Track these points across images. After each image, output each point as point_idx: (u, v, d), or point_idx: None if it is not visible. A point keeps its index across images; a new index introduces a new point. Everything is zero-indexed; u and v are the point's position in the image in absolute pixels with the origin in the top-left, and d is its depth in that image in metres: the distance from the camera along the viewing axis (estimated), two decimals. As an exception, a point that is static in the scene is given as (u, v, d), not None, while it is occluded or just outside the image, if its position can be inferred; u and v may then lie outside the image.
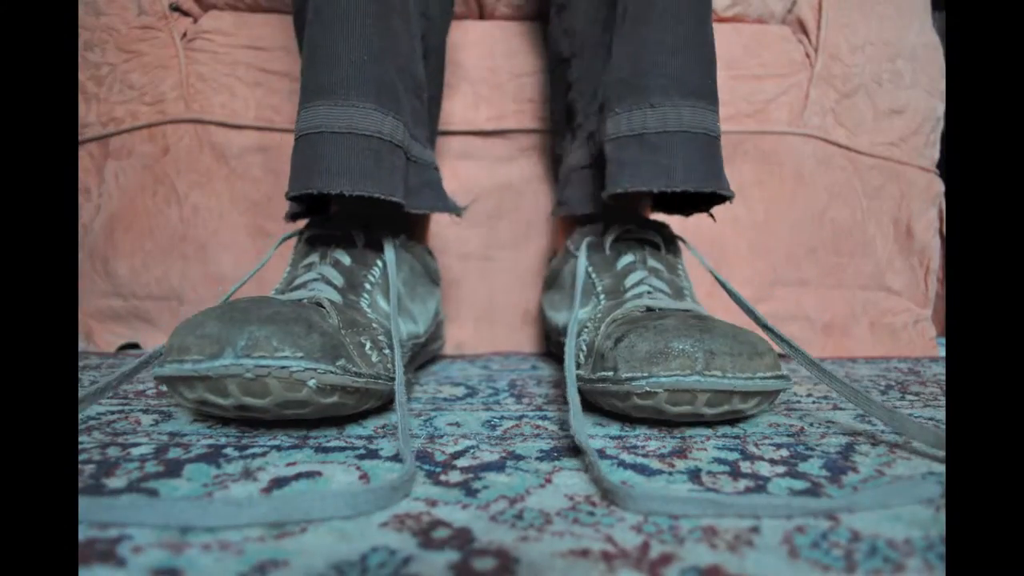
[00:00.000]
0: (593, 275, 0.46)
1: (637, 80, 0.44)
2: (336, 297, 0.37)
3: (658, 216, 0.59)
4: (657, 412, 0.33)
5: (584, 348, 0.38)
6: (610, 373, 0.33)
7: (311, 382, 0.29)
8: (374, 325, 0.37)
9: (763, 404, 0.34)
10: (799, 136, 0.71)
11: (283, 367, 0.28)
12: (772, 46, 0.71)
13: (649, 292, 0.41)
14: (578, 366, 0.38)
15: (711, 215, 0.51)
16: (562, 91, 0.57)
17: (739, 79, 0.70)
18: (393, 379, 0.35)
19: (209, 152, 0.69)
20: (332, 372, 0.30)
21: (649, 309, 0.38)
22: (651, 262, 0.44)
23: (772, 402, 0.36)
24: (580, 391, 0.37)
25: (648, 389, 0.32)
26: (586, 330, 0.40)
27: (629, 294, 0.42)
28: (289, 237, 0.45)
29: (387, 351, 0.36)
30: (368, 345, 0.34)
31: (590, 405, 0.38)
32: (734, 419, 0.35)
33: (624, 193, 0.44)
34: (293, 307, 0.32)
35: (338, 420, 0.35)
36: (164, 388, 0.33)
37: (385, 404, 0.38)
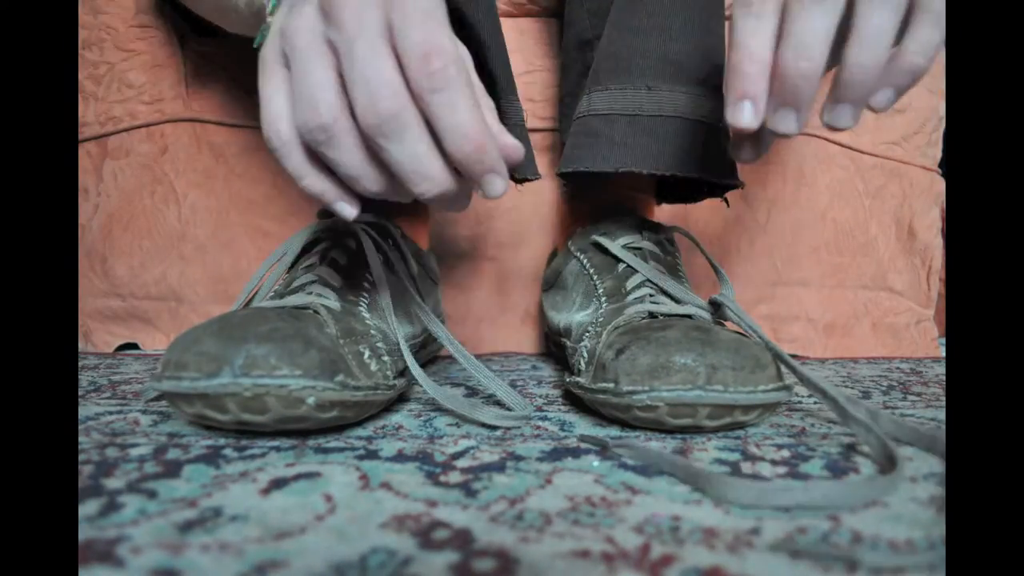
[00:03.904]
0: (594, 277, 0.46)
1: (635, 59, 0.44)
2: (334, 303, 0.37)
3: (662, 207, 0.59)
4: (658, 424, 0.33)
5: (585, 355, 0.38)
6: (611, 385, 0.33)
7: (310, 399, 0.29)
8: (372, 332, 0.37)
9: (765, 415, 0.34)
10: (800, 136, 0.71)
11: (281, 385, 0.29)
12: (772, 45, 0.70)
13: (651, 295, 0.41)
14: (579, 373, 0.38)
15: (725, 200, 0.51)
16: (579, 76, 0.56)
17: (739, 78, 0.69)
18: (393, 386, 0.35)
19: (208, 151, 0.69)
20: (331, 388, 0.30)
21: (651, 315, 0.38)
22: (652, 263, 0.44)
23: (774, 412, 0.36)
24: (580, 399, 0.36)
25: (649, 403, 0.32)
26: (587, 335, 0.40)
27: (631, 297, 0.41)
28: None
29: (386, 358, 0.36)
30: (367, 354, 0.34)
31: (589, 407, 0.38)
32: (737, 427, 0.35)
33: (607, 172, 0.44)
34: (291, 321, 0.32)
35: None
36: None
37: (386, 407, 0.38)
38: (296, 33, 0.28)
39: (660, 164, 0.43)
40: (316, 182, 0.30)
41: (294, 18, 0.28)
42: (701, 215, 0.69)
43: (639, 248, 0.46)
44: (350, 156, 0.28)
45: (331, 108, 0.27)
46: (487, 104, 0.31)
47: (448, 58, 0.27)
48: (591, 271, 0.46)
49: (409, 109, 0.27)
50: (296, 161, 0.29)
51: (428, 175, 0.28)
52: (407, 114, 0.27)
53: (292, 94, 0.28)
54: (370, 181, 0.29)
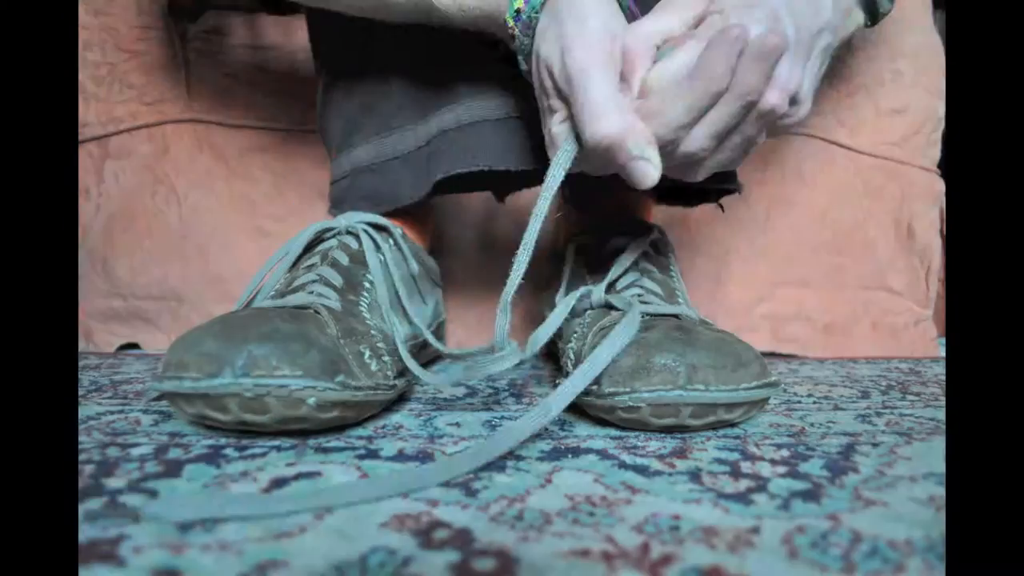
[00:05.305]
0: (586, 278, 0.46)
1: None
2: (335, 302, 0.37)
3: (661, 208, 0.59)
4: (642, 424, 0.33)
5: (572, 356, 0.38)
6: (595, 387, 0.33)
7: (311, 400, 0.29)
8: (372, 332, 0.37)
9: (751, 412, 0.34)
10: (800, 136, 0.71)
11: (282, 386, 0.29)
12: (772, 46, 0.71)
13: (640, 295, 0.41)
14: (566, 375, 0.38)
15: (720, 206, 0.51)
16: None
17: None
18: (393, 386, 0.35)
19: (209, 152, 0.69)
20: (332, 389, 0.30)
21: None
22: (643, 264, 0.44)
23: (762, 409, 0.36)
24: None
25: (631, 404, 0.32)
26: (575, 336, 0.40)
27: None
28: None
29: (386, 358, 0.36)
30: (367, 354, 0.35)
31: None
32: (725, 425, 0.35)
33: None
34: (291, 322, 0.32)
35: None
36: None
37: (386, 407, 0.38)
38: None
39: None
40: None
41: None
42: (701, 216, 0.69)
43: (631, 249, 0.46)
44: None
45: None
46: None
47: None
48: (583, 272, 0.47)
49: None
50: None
51: None
52: None
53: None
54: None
